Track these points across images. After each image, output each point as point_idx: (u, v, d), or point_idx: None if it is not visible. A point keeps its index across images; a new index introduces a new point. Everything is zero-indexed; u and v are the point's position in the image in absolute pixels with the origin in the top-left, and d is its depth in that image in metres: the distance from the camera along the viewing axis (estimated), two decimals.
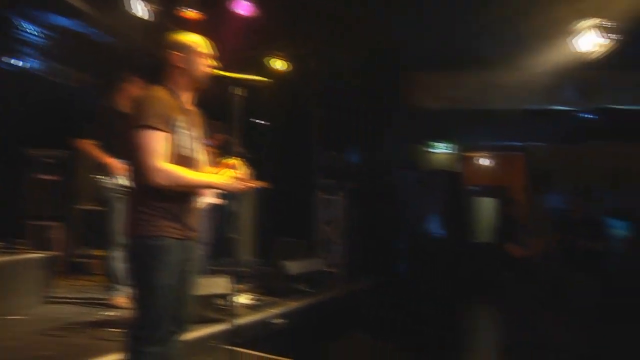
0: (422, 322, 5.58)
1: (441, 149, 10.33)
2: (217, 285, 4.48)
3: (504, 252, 6.41)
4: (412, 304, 6.27)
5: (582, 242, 5.93)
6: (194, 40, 2.90)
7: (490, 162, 10.47)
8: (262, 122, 7.04)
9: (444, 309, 5.89)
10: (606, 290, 5.67)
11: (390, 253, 8.20)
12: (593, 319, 5.36)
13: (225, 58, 3.10)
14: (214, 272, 4.81)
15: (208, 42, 2.94)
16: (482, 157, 10.48)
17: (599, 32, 6.49)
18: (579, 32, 6.60)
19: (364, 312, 5.96)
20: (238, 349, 3.76)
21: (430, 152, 10.28)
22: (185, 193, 2.82)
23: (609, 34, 6.47)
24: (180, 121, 2.78)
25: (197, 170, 2.84)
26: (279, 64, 7.50)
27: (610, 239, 6.43)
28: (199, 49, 2.88)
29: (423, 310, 5.95)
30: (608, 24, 6.43)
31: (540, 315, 5.57)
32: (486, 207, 9.14)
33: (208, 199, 3.22)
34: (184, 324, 2.91)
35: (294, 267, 5.94)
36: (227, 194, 3.69)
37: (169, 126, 2.72)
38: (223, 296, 4.43)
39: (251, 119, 6.95)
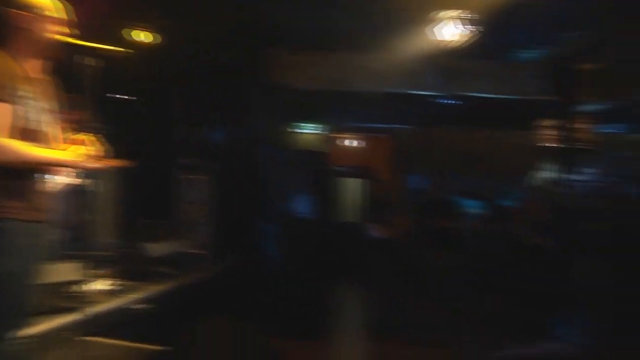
0: (287, 303, 5.61)
1: (308, 129, 10.41)
2: (70, 271, 4.21)
3: (370, 232, 6.58)
4: (277, 285, 6.28)
5: (439, 222, 6.23)
6: (42, 1, 2.63)
7: (357, 143, 10.71)
8: (122, 96, 6.65)
9: (310, 290, 5.95)
10: (464, 268, 5.99)
11: (256, 233, 8.16)
12: (453, 297, 5.64)
13: (81, 25, 2.84)
14: (68, 257, 4.49)
15: (60, 5, 2.68)
16: (348, 138, 10.70)
17: (458, 22, 6.78)
18: (440, 21, 6.85)
19: (230, 294, 5.89)
20: (93, 338, 3.55)
21: (296, 132, 10.32)
22: (32, 170, 2.56)
23: (468, 25, 6.77)
24: (25, 91, 2.50)
25: (47, 146, 2.59)
26: (142, 36, 7.12)
27: (465, 218, 6.80)
28: (48, 12, 2.61)
29: (289, 292, 5.98)
30: (467, 15, 6.72)
31: (406, 296, 5.78)
32: (352, 187, 9.32)
33: (63, 178, 2.97)
34: (29, 316, 2.68)
35: (156, 249, 5.79)
36: (85, 173, 3.44)
37: (7, 96, 2.44)
38: (77, 283, 4.16)
39: (109, 93, 6.55)
